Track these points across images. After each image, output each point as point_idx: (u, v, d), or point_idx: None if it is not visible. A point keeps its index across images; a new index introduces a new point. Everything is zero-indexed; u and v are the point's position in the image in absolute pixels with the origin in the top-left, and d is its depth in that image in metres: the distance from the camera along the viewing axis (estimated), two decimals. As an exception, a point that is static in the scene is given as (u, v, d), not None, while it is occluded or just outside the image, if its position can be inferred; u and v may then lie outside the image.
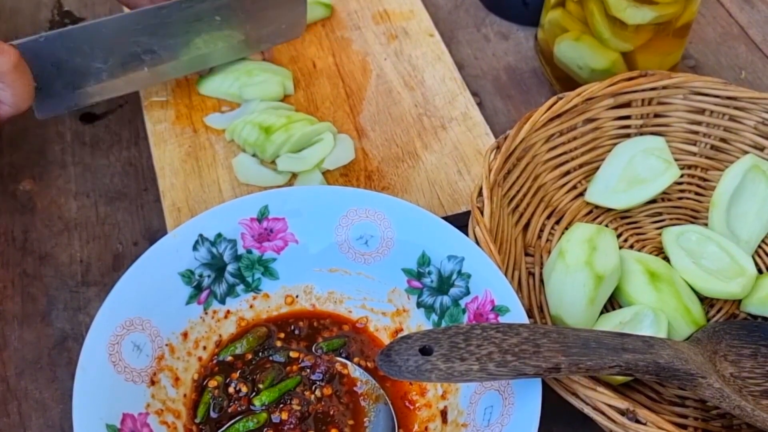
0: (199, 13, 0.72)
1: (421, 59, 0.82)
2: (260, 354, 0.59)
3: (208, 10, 0.73)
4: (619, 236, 0.70)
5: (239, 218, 0.60)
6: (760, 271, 0.69)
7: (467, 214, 0.66)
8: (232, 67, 0.77)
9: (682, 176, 0.73)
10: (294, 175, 0.71)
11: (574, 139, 0.70)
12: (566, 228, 0.70)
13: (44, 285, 0.67)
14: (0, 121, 0.65)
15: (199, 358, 0.59)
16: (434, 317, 0.60)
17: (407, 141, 0.75)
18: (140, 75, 0.73)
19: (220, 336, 0.60)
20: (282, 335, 0.61)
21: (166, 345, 0.57)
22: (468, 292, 0.58)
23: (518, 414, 0.51)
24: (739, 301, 0.66)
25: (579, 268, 0.62)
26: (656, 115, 0.72)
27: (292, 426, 0.55)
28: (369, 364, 0.60)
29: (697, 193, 0.73)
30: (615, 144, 0.72)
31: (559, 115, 0.68)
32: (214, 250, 0.59)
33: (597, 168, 0.72)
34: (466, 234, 0.59)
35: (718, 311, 0.66)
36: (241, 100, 0.76)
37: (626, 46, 0.74)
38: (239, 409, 0.56)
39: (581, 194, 0.71)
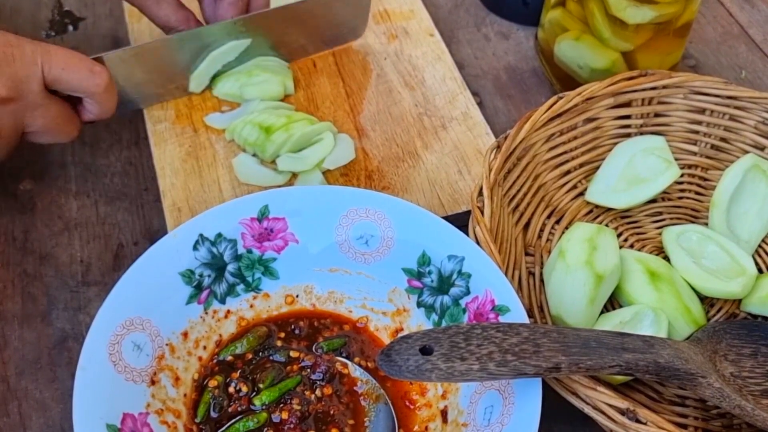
0: (270, 20, 0.75)
1: (421, 59, 0.82)
2: (260, 354, 0.59)
3: (279, 18, 0.76)
4: (619, 236, 0.70)
5: (239, 218, 0.60)
6: (760, 271, 0.69)
7: (467, 213, 0.66)
8: (233, 68, 0.77)
9: (682, 176, 0.73)
10: (294, 175, 0.71)
11: (575, 138, 0.70)
12: (566, 227, 0.70)
13: (44, 285, 0.67)
14: (82, 122, 0.69)
15: (200, 358, 0.59)
16: (434, 317, 0.60)
17: (407, 141, 0.75)
18: (210, 77, 0.77)
19: (221, 336, 0.60)
20: (282, 335, 0.61)
21: (167, 345, 0.57)
22: (468, 292, 0.58)
23: (518, 413, 0.52)
24: (740, 301, 0.66)
25: (579, 267, 0.62)
26: (656, 115, 0.72)
27: (292, 426, 0.55)
28: (369, 364, 0.60)
29: (697, 193, 0.73)
30: (615, 143, 0.72)
31: (559, 115, 0.68)
32: (214, 249, 0.59)
33: (597, 167, 0.72)
34: (467, 234, 0.59)
35: (719, 311, 0.66)
36: (241, 100, 0.76)
37: (626, 45, 0.74)
38: (239, 408, 0.56)
39: (581, 194, 0.71)
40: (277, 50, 0.78)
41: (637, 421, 0.51)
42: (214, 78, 0.77)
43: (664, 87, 0.71)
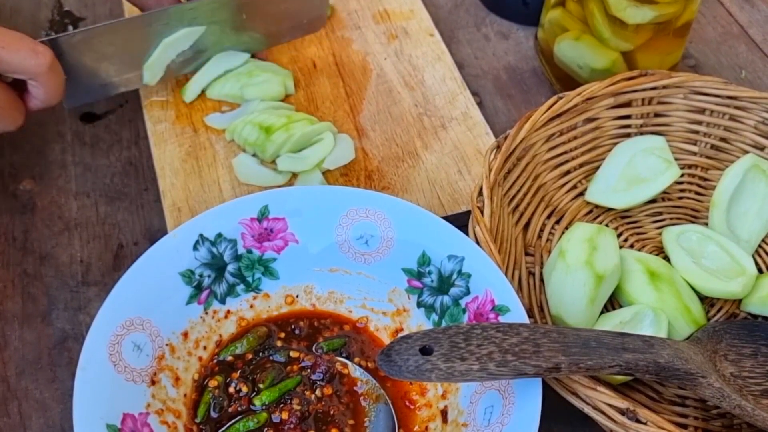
0: (224, 8, 0.74)
1: (421, 59, 0.82)
2: (260, 354, 0.59)
3: (234, 6, 0.74)
4: (619, 236, 0.70)
5: (239, 218, 0.60)
6: (760, 271, 0.69)
7: (467, 213, 0.66)
8: (234, 68, 0.77)
9: (682, 176, 0.73)
10: (294, 175, 0.71)
11: (575, 138, 0.70)
12: (566, 227, 0.70)
13: (44, 285, 0.67)
14: (29, 113, 0.67)
15: (200, 358, 0.59)
16: (434, 317, 0.60)
17: (407, 141, 0.75)
18: (164, 67, 0.75)
19: (221, 336, 0.60)
20: (282, 335, 0.61)
21: (167, 345, 0.57)
22: (468, 292, 0.58)
23: (518, 414, 0.52)
24: (740, 301, 0.66)
25: (579, 267, 0.62)
26: (656, 115, 0.72)
27: (292, 426, 0.55)
28: (369, 364, 0.60)
29: (697, 193, 0.73)
30: (615, 143, 0.72)
31: (559, 115, 0.68)
32: (214, 249, 0.59)
33: (597, 167, 0.72)
34: (467, 234, 0.59)
35: (719, 311, 0.66)
36: (242, 101, 0.76)
37: (626, 45, 0.74)
38: (239, 408, 0.56)
39: (581, 194, 0.71)
40: (233, 41, 0.77)
41: (637, 421, 0.51)
42: (211, 82, 0.76)
43: (664, 87, 0.71)
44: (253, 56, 0.79)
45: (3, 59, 0.61)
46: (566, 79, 0.79)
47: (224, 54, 0.77)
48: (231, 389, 0.57)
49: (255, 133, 0.71)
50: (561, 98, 0.68)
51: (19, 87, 0.66)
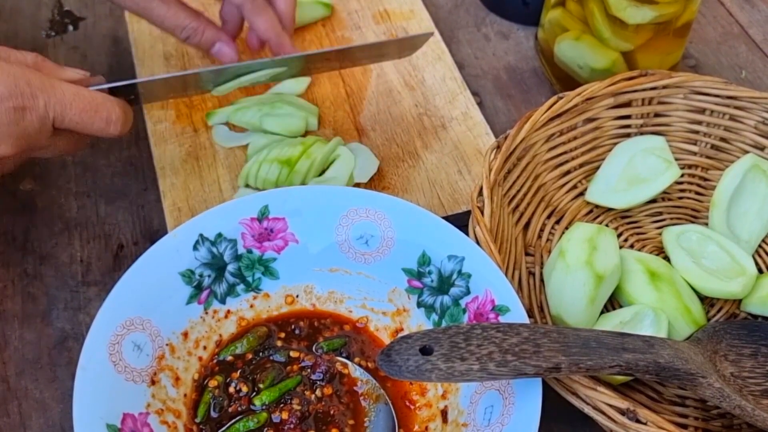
0: (318, 61, 0.72)
1: (421, 59, 0.81)
2: (260, 354, 0.59)
3: (326, 59, 0.72)
4: (619, 236, 0.70)
5: (239, 218, 0.60)
6: (760, 271, 0.69)
7: (467, 213, 0.66)
8: (261, 97, 0.76)
9: (682, 176, 0.73)
10: None
11: (575, 138, 0.70)
12: (566, 228, 0.70)
13: (44, 285, 0.67)
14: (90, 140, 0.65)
15: (200, 358, 0.59)
16: (434, 317, 0.60)
17: (407, 141, 0.75)
18: (228, 90, 0.71)
19: (221, 336, 0.60)
20: (282, 335, 0.61)
21: (167, 345, 0.57)
22: (468, 292, 0.58)
23: (518, 414, 0.52)
24: (740, 301, 0.66)
25: (579, 267, 0.62)
26: (656, 115, 0.72)
27: (292, 426, 0.55)
28: (369, 364, 0.60)
29: (697, 193, 0.73)
30: (615, 143, 0.72)
31: (559, 115, 0.68)
32: (214, 249, 0.59)
33: (597, 167, 0.72)
34: (467, 234, 0.59)
35: (719, 311, 0.66)
36: (258, 130, 0.74)
37: (626, 45, 0.74)
38: (239, 408, 0.56)
39: (581, 194, 0.71)
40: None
41: (638, 421, 0.51)
42: (235, 110, 0.74)
43: (664, 87, 0.71)
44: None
45: (77, 128, 0.60)
46: (566, 79, 0.79)
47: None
48: (231, 389, 0.57)
49: (276, 169, 0.69)
50: (561, 98, 0.68)
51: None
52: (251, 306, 0.61)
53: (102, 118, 0.60)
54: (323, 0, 0.84)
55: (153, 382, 0.55)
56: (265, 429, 0.55)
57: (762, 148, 0.71)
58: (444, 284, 0.59)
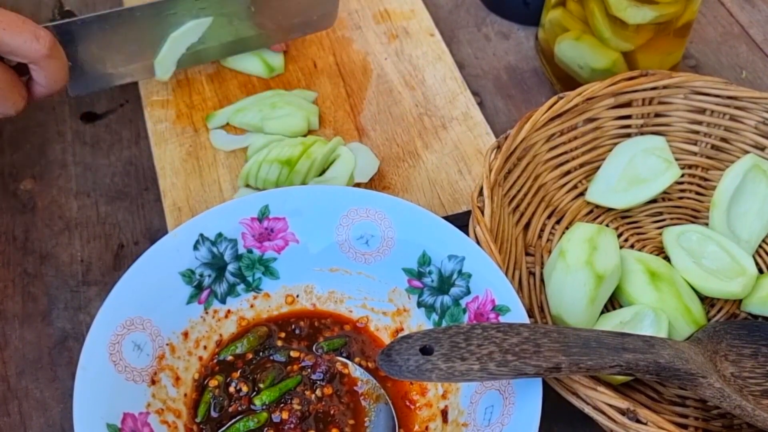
0: (233, 1, 0.73)
1: (421, 59, 0.82)
2: (261, 353, 0.59)
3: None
4: (619, 236, 0.70)
5: (240, 218, 0.60)
6: (760, 271, 0.69)
7: (468, 213, 0.66)
8: (259, 97, 0.76)
9: (682, 176, 0.73)
10: None
11: (575, 138, 0.70)
12: (567, 228, 0.70)
13: (45, 284, 0.67)
14: (33, 100, 0.66)
15: (200, 358, 0.59)
16: (435, 317, 0.60)
17: (408, 140, 0.75)
18: (175, 61, 0.74)
19: (221, 335, 0.60)
20: (283, 335, 0.61)
21: (167, 344, 0.57)
22: (468, 292, 0.58)
23: (519, 413, 0.52)
24: (740, 301, 0.66)
25: (579, 267, 0.62)
26: (657, 115, 0.72)
27: (292, 426, 0.55)
28: (370, 364, 0.60)
29: (697, 193, 0.73)
30: (615, 144, 0.72)
31: (559, 115, 0.68)
32: (214, 249, 0.59)
33: (597, 168, 0.72)
34: (467, 234, 0.59)
35: (719, 311, 0.66)
36: (260, 131, 0.74)
37: (627, 45, 0.74)
38: (240, 408, 0.56)
39: (582, 194, 0.71)
40: (242, 34, 0.76)
41: (638, 421, 0.51)
42: (236, 112, 0.75)
43: (665, 87, 0.71)
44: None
45: (3, 41, 0.61)
46: (567, 79, 0.79)
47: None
48: (231, 389, 0.57)
49: (276, 169, 0.69)
50: (561, 98, 0.68)
51: (23, 71, 0.65)
52: (251, 306, 0.61)
53: (29, 29, 0.61)
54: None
55: (153, 382, 0.55)
56: (266, 429, 0.55)
57: (762, 148, 0.71)
58: (444, 284, 0.59)
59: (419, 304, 0.61)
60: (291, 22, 0.78)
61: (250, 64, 0.79)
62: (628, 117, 0.72)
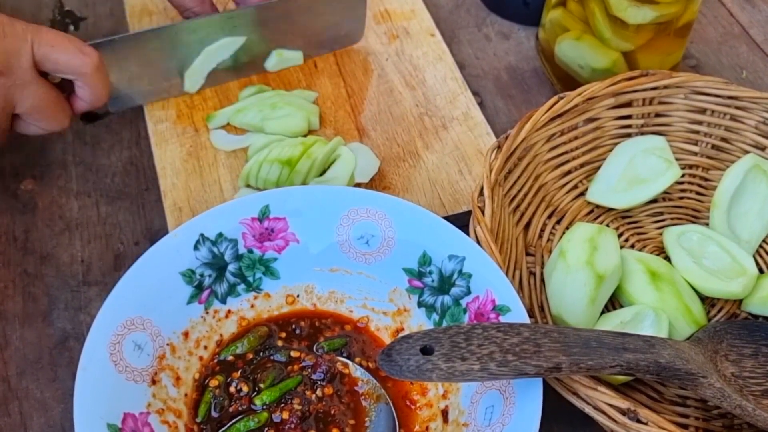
0: (266, 20, 0.75)
1: (422, 59, 0.82)
2: (261, 353, 0.59)
3: (274, 17, 0.76)
4: (620, 236, 0.70)
5: (240, 218, 0.60)
6: (761, 271, 0.69)
7: (468, 213, 0.66)
8: (259, 97, 0.76)
9: (683, 176, 0.73)
10: None
11: (575, 138, 0.70)
12: (567, 228, 0.70)
13: (45, 285, 0.67)
14: (75, 113, 0.69)
15: (200, 358, 0.59)
16: (435, 317, 0.60)
17: (408, 141, 0.75)
18: (205, 75, 0.76)
19: (221, 335, 0.60)
20: (283, 335, 0.61)
21: (167, 344, 0.57)
22: (469, 292, 0.58)
23: (519, 413, 0.52)
24: (740, 301, 0.66)
25: (580, 267, 0.62)
26: (657, 115, 0.72)
27: (293, 426, 0.55)
28: (370, 364, 0.60)
29: (698, 193, 0.73)
30: (616, 143, 0.72)
31: (560, 115, 0.68)
32: (215, 249, 0.59)
33: (598, 168, 0.72)
34: (467, 234, 0.59)
35: (719, 311, 0.66)
36: (261, 132, 0.74)
37: (627, 45, 0.74)
38: (240, 408, 0.56)
39: (582, 194, 0.71)
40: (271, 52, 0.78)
41: (638, 421, 0.51)
42: (236, 112, 0.75)
43: (665, 87, 0.71)
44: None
45: (51, 58, 0.63)
46: (567, 79, 0.79)
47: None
48: (232, 389, 0.57)
49: (277, 170, 0.69)
50: (562, 98, 0.68)
51: (66, 89, 0.67)
52: (252, 306, 0.61)
53: (76, 46, 0.64)
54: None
55: (154, 382, 0.55)
56: (266, 429, 0.55)
57: (763, 148, 0.71)
58: (445, 284, 0.59)
59: (420, 304, 0.61)
60: (319, 38, 0.80)
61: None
62: (629, 117, 0.72)
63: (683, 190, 0.73)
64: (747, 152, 0.72)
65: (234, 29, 0.75)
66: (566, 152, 0.70)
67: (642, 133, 0.73)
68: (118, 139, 0.77)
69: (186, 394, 0.57)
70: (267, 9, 0.75)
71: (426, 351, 0.48)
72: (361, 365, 0.59)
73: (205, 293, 0.60)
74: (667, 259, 0.68)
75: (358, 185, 0.71)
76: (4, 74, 0.62)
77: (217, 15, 0.74)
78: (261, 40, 0.77)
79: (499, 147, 0.64)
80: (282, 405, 0.56)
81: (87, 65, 0.65)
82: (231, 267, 0.60)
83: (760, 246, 0.70)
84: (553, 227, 0.70)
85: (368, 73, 0.81)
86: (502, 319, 0.56)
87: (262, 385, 0.57)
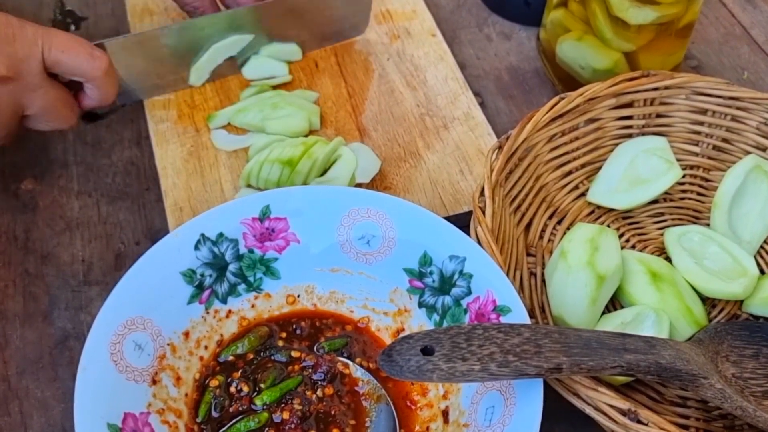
0: (271, 15, 0.76)
1: (423, 59, 0.81)
2: (262, 353, 0.59)
3: (280, 13, 0.76)
4: (620, 236, 0.70)
5: (241, 218, 0.60)
6: (762, 272, 0.69)
7: (469, 214, 0.66)
8: (260, 97, 0.76)
9: (684, 176, 0.73)
10: None
11: (576, 139, 0.70)
12: (568, 228, 0.69)
13: (46, 284, 0.67)
14: (82, 109, 0.70)
15: (201, 358, 0.59)
16: (436, 317, 0.60)
17: (409, 141, 0.75)
18: (211, 70, 0.77)
19: (222, 335, 0.60)
20: (284, 335, 0.61)
21: (168, 344, 0.57)
22: (470, 292, 0.58)
23: (520, 414, 0.51)
24: (741, 302, 0.66)
25: (581, 268, 0.62)
26: (658, 116, 0.72)
27: (293, 426, 0.55)
28: (371, 365, 0.60)
29: (699, 194, 0.73)
30: (617, 144, 0.72)
31: (561, 115, 0.68)
32: (215, 249, 0.59)
33: (599, 168, 0.72)
34: (468, 234, 0.59)
35: (720, 312, 0.66)
36: (261, 131, 0.74)
37: (628, 46, 0.74)
38: (240, 408, 0.56)
39: (583, 194, 0.71)
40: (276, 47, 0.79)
41: (639, 421, 0.51)
42: (237, 112, 0.75)
43: (666, 88, 0.71)
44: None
45: (62, 62, 0.64)
46: (568, 80, 0.79)
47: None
48: (232, 389, 0.57)
49: (277, 170, 0.68)
50: (563, 99, 0.68)
51: (73, 86, 0.68)
52: (252, 306, 0.61)
53: (86, 50, 0.65)
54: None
55: (154, 382, 0.55)
56: (266, 429, 0.55)
57: (764, 149, 0.71)
58: (445, 284, 0.59)
59: (420, 305, 0.61)
60: (324, 31, 0.80)
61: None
62: (630, 117, 0.72)
63: (684, 191, 0.73)
64: (748, 153, 0.71)
65: (241, 27, 0.75)
66: (567, 153, 0.70)
67: (643, 134, 0.72)
68: (119, 138, 0.77)
69: (186, 394, 0.57)
70: (274, 6, 0.76)
71: (427, 351, 0.48)
72: (361, 365, 0.59)
73: (206, 293, 0.60)
74: (668, 259, 0.68)
75: (359, 185, 0.71)
76: (14, 79, 0.62)
77: (222, 13, 0.75)
78: (266, 37, 0.77)
79: (500, 147, 0.64)
80: (282, 405, 0.56)
81: (97, 69, 0.65)
82: (232, 267, 0.60)
83: (761, 247, 0.70)
84: (554, 228, 0.70)
85: (369, 73, 0.81)
86: (503, 319, 0.56)
87: (262, 385, 0.57)
